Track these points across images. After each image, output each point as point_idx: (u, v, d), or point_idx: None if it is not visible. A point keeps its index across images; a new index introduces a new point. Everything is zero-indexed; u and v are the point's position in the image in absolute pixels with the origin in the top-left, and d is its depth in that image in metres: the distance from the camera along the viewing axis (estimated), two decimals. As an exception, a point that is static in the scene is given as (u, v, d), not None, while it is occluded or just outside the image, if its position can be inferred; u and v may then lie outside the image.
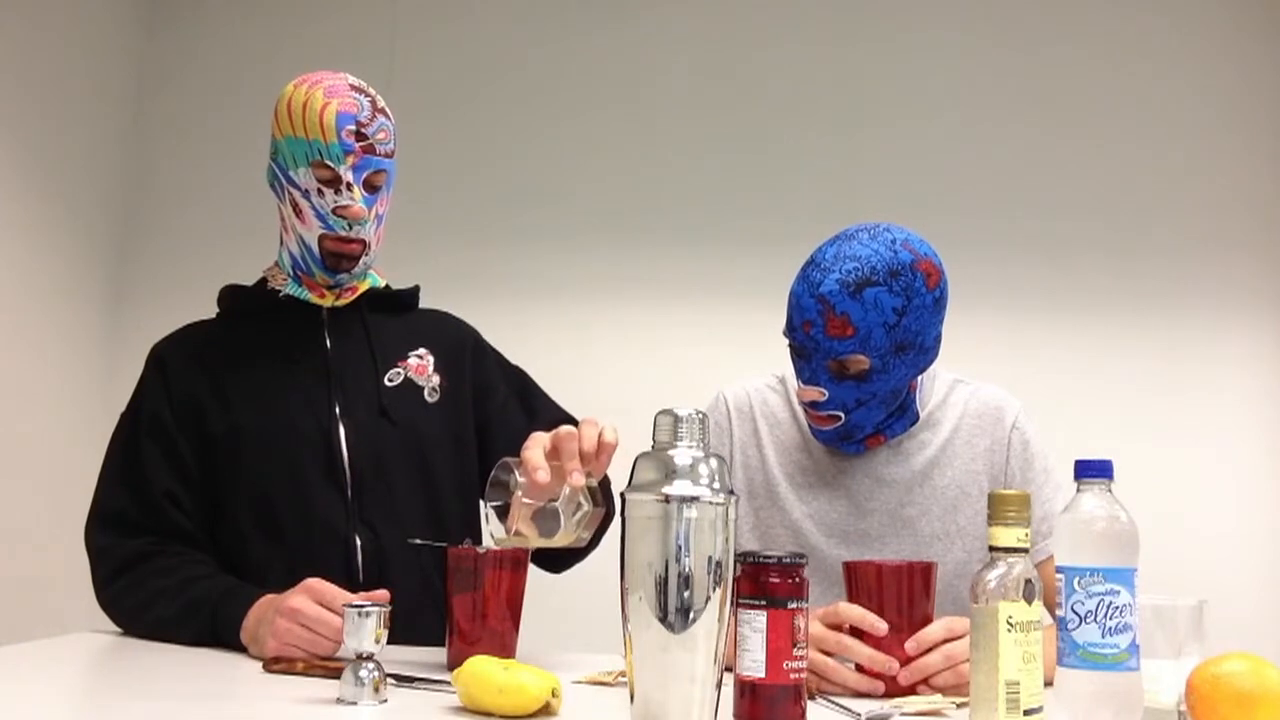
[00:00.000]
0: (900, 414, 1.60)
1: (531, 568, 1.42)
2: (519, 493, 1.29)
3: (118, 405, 1.66)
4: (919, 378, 1.64)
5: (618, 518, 1.01)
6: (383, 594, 1.32)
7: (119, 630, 1.56)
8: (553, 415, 1.68)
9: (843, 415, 1.53)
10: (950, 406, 1.65)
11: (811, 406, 1.55)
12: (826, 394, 1.51)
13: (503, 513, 1.32)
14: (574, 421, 1.60)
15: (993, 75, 3.29)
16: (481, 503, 1.37)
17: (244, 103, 3.28)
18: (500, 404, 1.72)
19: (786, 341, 1.56)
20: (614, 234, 3.26)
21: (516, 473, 1.28)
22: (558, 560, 1.60)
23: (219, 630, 1.43)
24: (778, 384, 1.71)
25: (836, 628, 1.29)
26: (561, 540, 1.31)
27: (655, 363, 3.18)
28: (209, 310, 1.72)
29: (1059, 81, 3.28)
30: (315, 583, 1.36)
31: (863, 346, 1.47)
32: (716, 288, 3.22)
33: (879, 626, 1.26)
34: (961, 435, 1.63)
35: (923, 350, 1.53)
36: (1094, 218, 3.22)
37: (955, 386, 1.67)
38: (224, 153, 3.27)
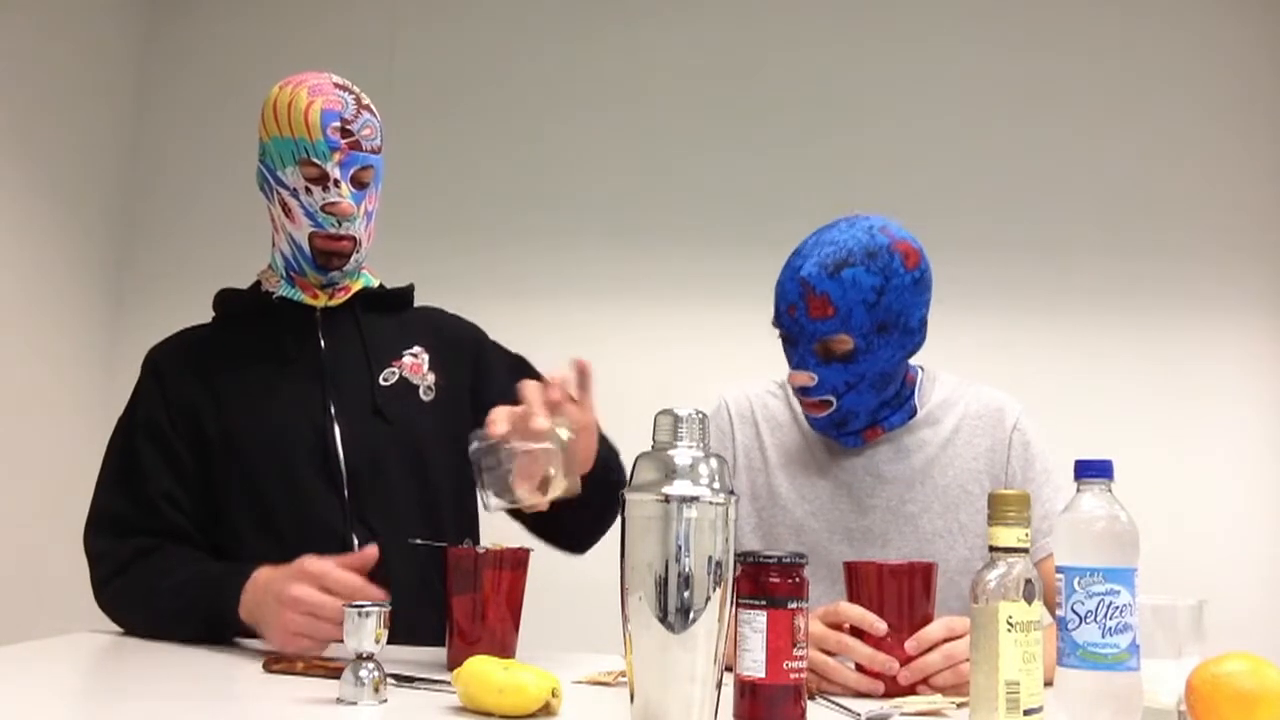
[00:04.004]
0: (897, 406, 1.62)
1: (531, 570, 1.42)
2: (507, 465, 1.28)
3: (117, 406, 1.66)
4: (918, 375, 1.66)
5: (618, 518, 1.01)
6: (379, 592, 1.32)
7: (119, 630, 1.56)
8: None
9: (834, 400, 1.55)
10: (952, 406, 1.66)
11: (803, 393, 1.57)
12: (816, 378, 1.54)
13: (500, 489, 1.31)
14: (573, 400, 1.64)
15: (993, 76, 3.29)
16: (479, 492, 1.38)
17: (244, 103, 3.25)
18: (501, 390, 1.71)
19: (778, 336, 1.59)
20: (614, 234, 3.26)
21: (496, 449, 1.27)
22: (577, 535, 1.61)
23: (217, 618, 1.43)
24: (778, 389, 1.73)
25: (837, 627, 1.29)
26: (559, 489, 1.30)
27: (655, 363, 3.18)
28: (209, 312, 1.72)
29: (1059, 82, 3.28)
30: (312, 566, 1.36)
31: (844, 326, 1.50)
32: (717, 288, 3.22)
33: (878, 627, 1.26)
34: (962, 434, 1.64)
35: (908, 331, 1.55)
36: (1094, 218, 3.23)
37: (957, 388, 1.68)
38: (225, 154, 3.27)
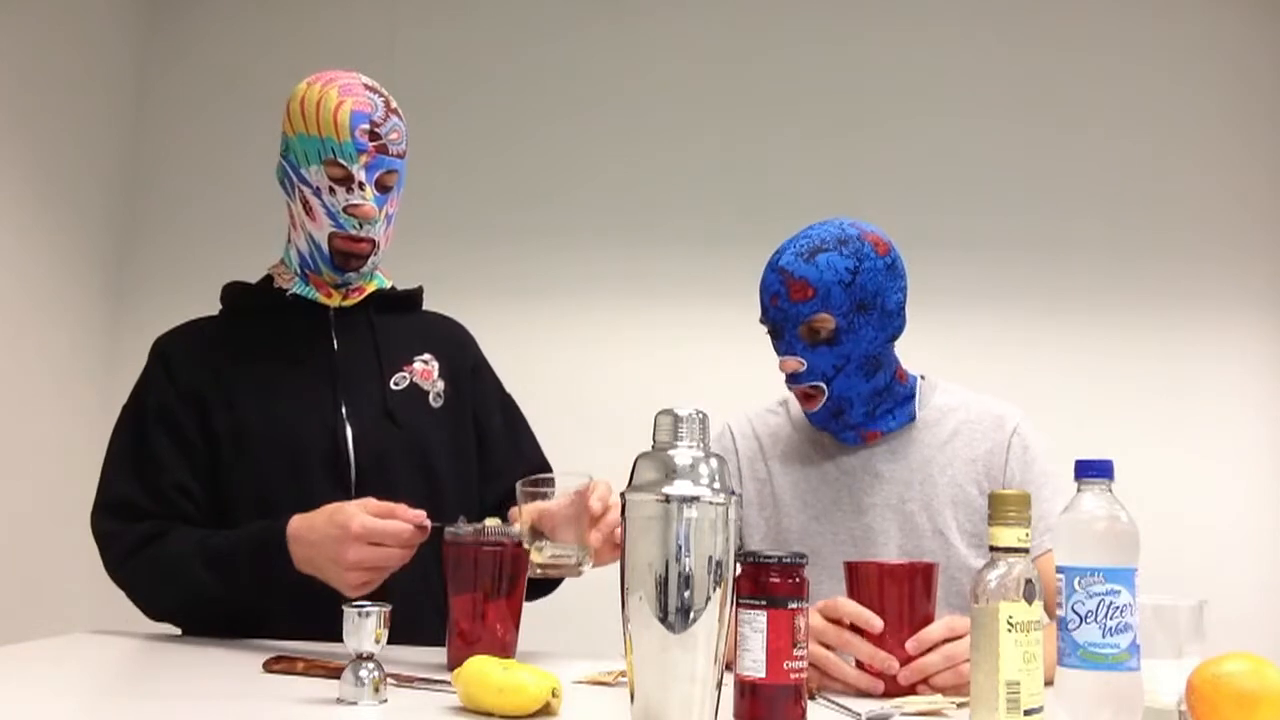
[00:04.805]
0: (892, 405, 1.65)
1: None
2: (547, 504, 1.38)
3: (117, 405, 1.65)
4: (915, 380, 1.70)
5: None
6: (420, 513, 1.38)
7: (118, 630, 1.56)
8: (535, 459, 1.75)
9: (825, 385, 1.60)
10: (952, 412, 1.69)
11: (794, 380, 1.61)
12: (805, 363, 1.59)
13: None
14: (548, 466, 1.72)
15: (993, 75, 3.29)
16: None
17: (244, 103, 3.28)
18: (494, 436, 1.74)
19: (767, 333, 1.65)
20: (614, 234, 3.26)
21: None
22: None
23: (270, 579, 1.44)
24: (777, 406, 1.78)
25: (835, 621, 1.29)
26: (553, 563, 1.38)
27: (655, 362, 3.18)
28: (209, 308, 1.71)
29: (1059, 81, 3.28)
30: (357, 527, 1.36)
31: (824, 305, 1.57)
32: (717, 288, 3.22)
33: (875, 624, 1.26)
34: (961, 437, 1.66)
35: (886, 313, 1.61)
36: (1095, 218, 3.22)
37: (958, 395, 1.72)
38: (224, 150, 3.27)
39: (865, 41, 3.32)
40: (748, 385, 3.04)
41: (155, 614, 1.58)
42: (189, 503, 1.56)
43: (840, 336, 1.58)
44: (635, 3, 3.36)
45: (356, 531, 1.37)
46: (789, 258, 1.59)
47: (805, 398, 1.62)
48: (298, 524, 1.44)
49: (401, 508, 1.40)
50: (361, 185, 1.58)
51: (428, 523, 1.39)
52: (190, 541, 1.51)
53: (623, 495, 0.98)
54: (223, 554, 1.48)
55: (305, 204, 1.60)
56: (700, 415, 1.00)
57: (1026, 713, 0.98)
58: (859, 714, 1.12)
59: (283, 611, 1.51)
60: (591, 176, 3.28)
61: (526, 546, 1.36)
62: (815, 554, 1.59)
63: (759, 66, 3.32)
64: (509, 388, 1.82)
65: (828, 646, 1.28)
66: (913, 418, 1.66)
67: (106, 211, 3.19)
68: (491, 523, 1.36)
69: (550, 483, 1.43)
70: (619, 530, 1.39)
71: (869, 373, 1.61)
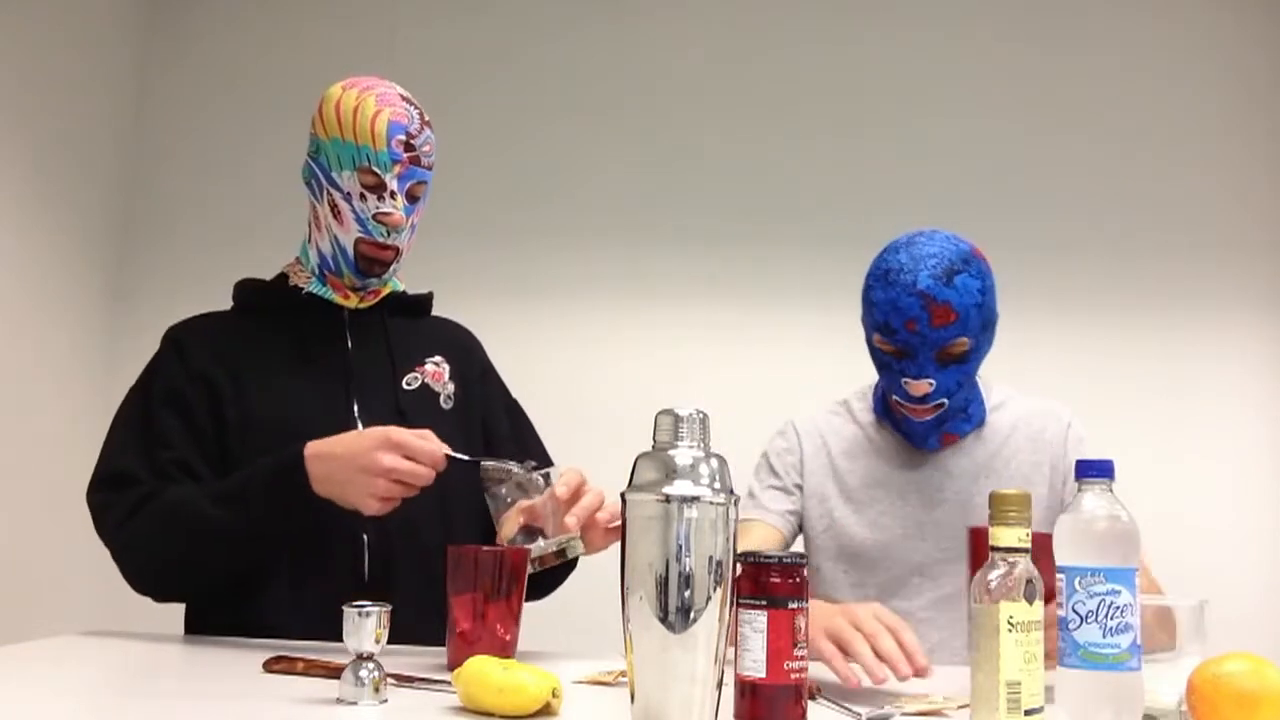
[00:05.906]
0: (966, 413, 1.71)
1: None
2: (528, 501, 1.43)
3: (117, 404, 1.65)
4: (978, 382, 1.76)
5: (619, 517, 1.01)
6: (437, 444, 1.42)
7: (118, 631, 1.56)
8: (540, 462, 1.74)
9: (946, 401, 1.63)
10: (1007, 410, 1.76)
11: (920, 401, 1.62)
12: (935, 383, 1.60)
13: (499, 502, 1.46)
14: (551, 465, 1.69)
15: (994, 76, 3.29)
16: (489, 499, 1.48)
17: (244, 101, 3.28)
18: (501, 440, 1.74)
19: (874, 351, 1.66)
20: (614, 234, 3.26)
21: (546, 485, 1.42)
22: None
23: (291, 504, 1.42)
24: (839, 408, 1.83)
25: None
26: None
27: (655, 362, 3.18)
28: (209, 308, 1.71)
29: (1059, 81, 3.28)
30: (397, 436, 1.39)
31: (963, 329, 1.59)
32: (716, 288, 3.22)
33: (902, 670, 1.20)
34: (1020, 431, 1.73)
35: (994, 327, 1.66)
36: (1094, 218, 3.22)
37: (1007, 391, 1.79)
38: (224, 150, 3.27)
39: (865, 41, 3.32)
40: (747, 385, 3.06)
41: (152, 579, 1.54)
42: (190, 481, 1.54)
43: (969, 356, 1.62)
44: (635, 3, 3.36)
45: (397, 440, 1.39)
46: (927, 280, 1.57)
47: (922, 411, 1.65)
48: (318, 444, 1.43)
49: (429, 433, 1.43)
50: (393, 194, 1.59)
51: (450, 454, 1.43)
52: (194, 488, 1.50)
53: (623, 495, 0.98)
54: (232, 489, 1.46)
55: (334, 207, 1.61)
56: (700, 415, 1.00)
57: (1027, 713, 0.98)
58: (859, 714, 1.12)
59: (284, 611, 1.51)
60: (591, 176, 3.28)
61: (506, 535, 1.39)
62: (885, 547, 1.65)
63: (759, 66, 3.32)
64: (510, 388, 1.82)
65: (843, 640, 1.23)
66: (983, 421, 1.72)
67: (106, 211, 3.19)
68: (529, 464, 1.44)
69: (519, 479, 1.45)
70: (602, 513, 1.41)
71: (973, 384, 1.68)
